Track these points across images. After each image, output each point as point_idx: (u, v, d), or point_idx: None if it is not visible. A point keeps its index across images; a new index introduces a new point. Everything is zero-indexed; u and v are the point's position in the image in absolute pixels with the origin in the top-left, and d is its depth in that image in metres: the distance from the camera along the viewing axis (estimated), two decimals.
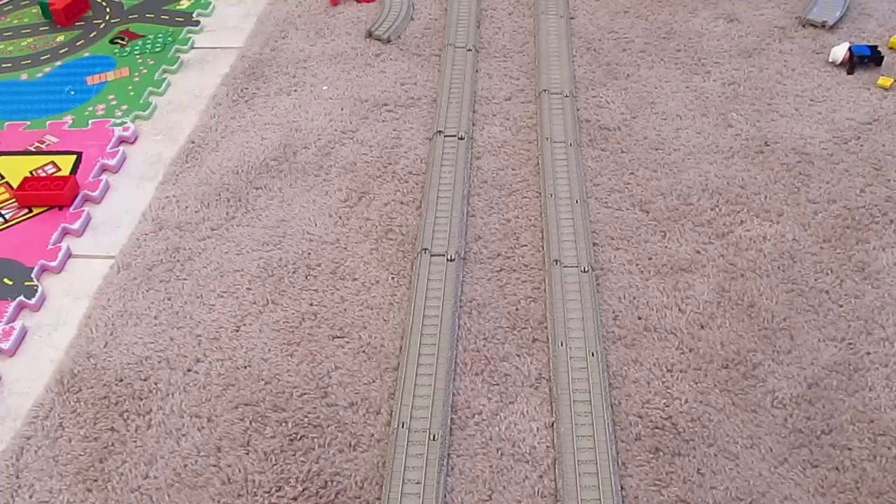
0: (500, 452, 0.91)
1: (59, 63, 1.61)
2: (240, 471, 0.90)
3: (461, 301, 1.08)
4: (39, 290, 1.13)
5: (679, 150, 1.29)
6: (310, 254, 1.16)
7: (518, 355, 1.01)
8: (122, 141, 1.40)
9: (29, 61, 1.62)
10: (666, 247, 1.14)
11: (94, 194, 1.28)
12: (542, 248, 1.14)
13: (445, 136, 1.32)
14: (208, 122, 1.41)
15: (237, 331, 1.06)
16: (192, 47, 1.64)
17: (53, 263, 1.17)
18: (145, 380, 1.00)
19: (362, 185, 1.26)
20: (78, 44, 1.67)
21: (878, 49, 1.43)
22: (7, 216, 1.26)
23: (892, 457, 0.88)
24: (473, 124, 1.37)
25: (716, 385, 0.96)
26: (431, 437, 0.91)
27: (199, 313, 1.08)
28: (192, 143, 1.37)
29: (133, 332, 1.06)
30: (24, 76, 1.58)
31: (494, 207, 1.22)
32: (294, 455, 0.92)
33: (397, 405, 0.94)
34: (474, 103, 1.41)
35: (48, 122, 1.45)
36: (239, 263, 1.15)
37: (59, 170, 1.34)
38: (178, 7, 1.77)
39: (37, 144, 1.40)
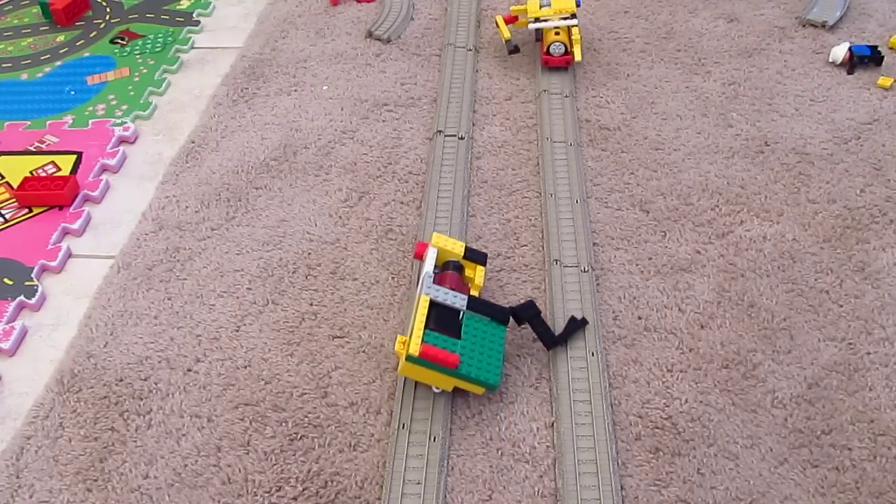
0: (500, 452, 0.91)
1: (59, 63, 1.61)
2: (240, 471, 0.90)
3: None
4: (39, 289, 1.14)
5: (679, 150, 1.29)
6: (310, 254, 1.16)
7: (518, 355, 1.01)
8: (122, 141, 1.40)
9: (29, 61, 1.62)
10: (666, 247, 1.14)
11: (94, 194, 1.29)
12: (542, 248, 1.14)
13: (445, 136, 1.32)
14: (208, 122, 1.41)
15: (237, 331, 1.06)
16: (192, 47, 1.64)
17: (53, 263, 1.17)
18: (145, 380, 1.00)
19: (362, 185, 1.26)
20: (78, 44, 1.67)
21: (878, 49, 1.43)
22: (7, 216, 1.26)
23: (892, 457, 0.88)
24: (473, 124, 1.37)
25: (716, 385, 0.96)
26: (432, 439, 0.91)
27: (199, 313, 1.08)
28: (192, 142, 1.37)
29: (133, 332, 1.06)
30: (24, 76, 1.58)
31: (494, 207, 1.22)
32: (294, 455, 0.92)
33: (397, 406, 0.94)
34: (474, 103, 1.41)
35: (48, 122, 1.45)
36: (239, 263, 1.15)
37: (60, 170, 1.34)
38: (178, 7, 1.77)
39: (37, 144, 1.40)
